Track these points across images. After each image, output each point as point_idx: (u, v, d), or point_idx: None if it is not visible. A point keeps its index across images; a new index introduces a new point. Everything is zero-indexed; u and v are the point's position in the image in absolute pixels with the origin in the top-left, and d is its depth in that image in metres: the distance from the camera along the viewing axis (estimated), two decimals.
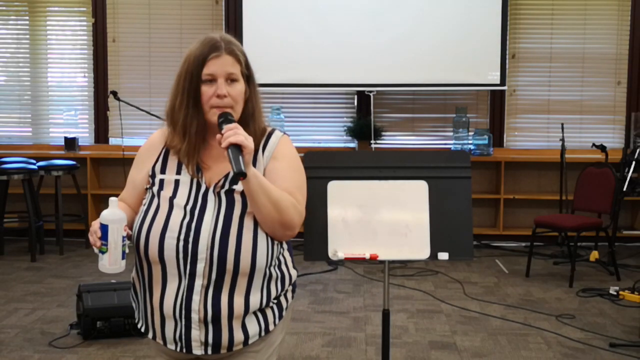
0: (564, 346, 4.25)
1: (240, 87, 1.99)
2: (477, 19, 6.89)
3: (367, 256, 2.64)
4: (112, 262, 1.90)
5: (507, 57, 7.02)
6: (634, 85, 7.18)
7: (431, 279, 5.80)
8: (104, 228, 1.88)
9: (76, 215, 7.01)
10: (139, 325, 2.08)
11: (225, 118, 1.94)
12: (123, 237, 1.90)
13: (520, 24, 7.23)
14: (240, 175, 1.84)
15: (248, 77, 2.02)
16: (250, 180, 1.88)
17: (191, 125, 1.98)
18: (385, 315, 2.82)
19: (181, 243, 1.92)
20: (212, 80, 1.95)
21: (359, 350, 4.19)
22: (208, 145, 2.01)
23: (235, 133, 1.86)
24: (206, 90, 1.96)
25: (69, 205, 7.02)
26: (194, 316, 1.93)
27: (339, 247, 2.64)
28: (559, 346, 4.25)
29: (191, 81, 1.96)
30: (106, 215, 1.90)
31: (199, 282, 1.92)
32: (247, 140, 1.87)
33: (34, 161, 6.67)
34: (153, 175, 2.03)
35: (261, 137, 2.04)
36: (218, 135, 1.89)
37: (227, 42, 1.98)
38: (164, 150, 2.06)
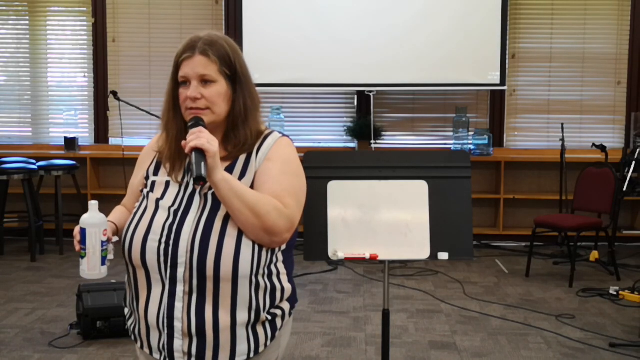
0: (564, 346, 4.25)
1: (217, 88, 1.90)
2: (477, 19, 6.89)
3: (367, 256, 2.64)
4: (91, 268, 1.84)
5: (507, 57, 7.02)
6: (634, 85, 7.18)
7: (431, 279, 5.80)
8: (82, 232, 1.82)
9: (76, 215, 6.99)
10: (129, 334, 2.02)
11: (195, 122, 1.87)
12: (103, 242, 1.83)
13: (520, 24, 7.23)
14: (199, 180, 1.79)
15: (232, 77, 1.92)
16: (220, 185, 1.81)
17: (171, 129, 1.95)
18: (385, 315, 2.82)
19: (162, 246, 1.85)
20: (187, 82, 1.90)
21: (359, 350, 4.19)
22: None
23: (197, 137, 1.80)
24: (182, 92, 1.91)
25: (69, 205, 7.02)
26: (177, 324, 1.85)
27: (339, 247, 2.64)
28: (559, 346, 4.25)
29: (171, 84, 1.95)
30: (85, 219, 1.83)
31: (180, 289, 1.84)
32: (210, 144, 1.80)
33: (34, 161, 6.67)
34: (147, 178, 2.00)
35: (256, 139, 1.96)
36: (183, 142, 1.83)
37: (205, 42, 1.91)
38: (158, 153, 2.02)
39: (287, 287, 1.98)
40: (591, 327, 4.56)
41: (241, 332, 1.89)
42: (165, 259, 1.85)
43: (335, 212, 2.66)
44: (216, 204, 1.87)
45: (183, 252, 1.83)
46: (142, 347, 1.96)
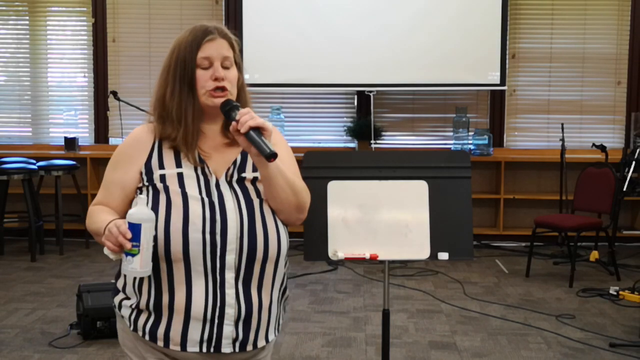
0: (564, 346, 4.25)
1: (235, 72, 1.95)
2: (477, 19, 6.89)
3: (367, 256, 2.64)
4: (143, 265, 1.75)
5: (507, 57, 7.02)
6: (634, 85, 7.18)
7: (431, 279, 5.80)
8: (134, 228, 1.73)
9: (76, 215, 7.01)
10: (143, 335, 1.93)
11: (232, 105, 1.90)
12: (154, 236, 1.78)
13: (520, 24, 7.23)
14: (272, 157, 1.80)
15: (239, 65, 1.99)
16: (270, 164, 1.86)
17: (187, 112, 1.91)
18: (385, 315, 2.82)
19: (207, 236, 1.84)
20: (208, 64, 1.91)
21: (359, 350, 4.19)
22: (204, 134, 1.96)
23: (252, 117, 1.83)
24: (202, 74, 1.91)
25: (69, 205, 7.02)
26: (229, 311, 1.86)
27: (339, 247, 2.64)
28: (559, 346, 4.25)
29: (184, 67, 1.91)
30: (137, 214, 1.76)
31: (230, 275, 1.86)
32: (266, 122, 1.85)
33: (34, 161, 6.67)
34: (149, 172, 1.92)
35: None
36: (233, 124, 1.84)
37: (220, 28, 1.96)
38: (156, 145, 1.95)
39: (289, 265, 2.11)
40: (591, 327, 4.56)
41: (274, 310, 1.98)
42: (213, 248, 1.85)
43: (335, 212, 2.66)
44: (244, 190, 1.93)
45: (233, 239, 1.86)
46: (166, 345, 1.90)
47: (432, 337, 4.41)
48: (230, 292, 1.87)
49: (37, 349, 4.12)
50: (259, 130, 1.84)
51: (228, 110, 1.90)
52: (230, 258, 1.86)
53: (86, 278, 5.60)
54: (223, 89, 1.92)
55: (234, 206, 1.89)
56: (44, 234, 6.61)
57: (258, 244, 1.88)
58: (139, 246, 1.74)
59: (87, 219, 1.99)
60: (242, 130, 1.83)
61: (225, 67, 1.94)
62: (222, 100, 1.92)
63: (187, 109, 1.92)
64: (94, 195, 2.01)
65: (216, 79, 1.91)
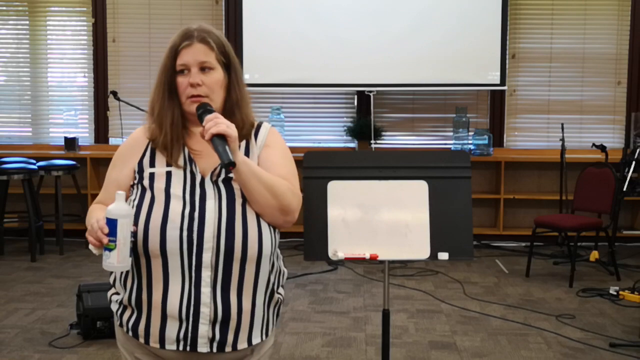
0: (564, 346, 4.25)
1: (216, 75, 1.95)
2: (477, 19, 6.89)
3: (367, 256, 2.64)
4: (121, 259, 1.80)
5: (507, 57, 7.02)
6: (634, 85, 7.18)
7: (431, 279, 5.80)
8: (111, 223, 1.79)
9: (76, 215, 7.01)
10: (127, 331, 1.99)
11: (205, 109, 1.91)
12: (131, 232, 1.83)
13: (520, 24, 7.23)
14: (230, 166, 1.82)
15: (227, 65, 1.98)
16: (240, 168, 1.86)
17: (165, 117, 1.96)
18: (385, 315, 2.82)
19: (184, 233, 1.86)
20: (186, 70, 1.93)
21: (359, 350, 4.19)
22: (193, 133, 1.98)
23: (216, 123, 1.83)
24: (181, 81, 1.94)
25: (69, 205, 7.02)
26: (204, 310, 1.87)
27: (339, 247, 2.64)
28: (559, 346, 4.25)
29: (166, 73, 1.95)
30: (114, 209, 1.81)
31: (206, 274, 1.87)
32: (230, 129, 1.84)
33: (34, 161, 6.67)
34: (141, 170, 1.97)
35: (251, 127, 2.03)
36: (200, 129, 1.87)
37: (201, 31, 1.96)
38: (149, 145, 2.00)
39: (285, 270, 2.11)
40: (591, 327, 4.56)
41: (258, 314, 1.96)
42: (190, 246, 1.87)
43: (335, 212, 2.66)
44: (230, 190, 1.92)
45: (210, 237, 1.87)
46: (146, 342, 1.94)
47: (432, 337, 4.41)
48: (205, 291, 1.88)
49: (37, 349, 4.12)
50: (223, 137, 1.83)
51: (200, 114, 1.91)
52: (207, 256, 1.87)
53: (86, 278, 5.60)
54: (199, 95, 1.93)
55: (214, 205, 1.90)
56: (44, 234, 6.60)
57: (236, 243, 1.88)
58: (115, 241, 1.79)
59: (86, 218, 2.02)
60: (206, 138, 1.84)
61: (205, 71, 1.94)
62: (196, 105, 1.94)
63: (165, 115, 1.96)
64: (94, 195, 2.04)
65: (192, 85, 1.92)
